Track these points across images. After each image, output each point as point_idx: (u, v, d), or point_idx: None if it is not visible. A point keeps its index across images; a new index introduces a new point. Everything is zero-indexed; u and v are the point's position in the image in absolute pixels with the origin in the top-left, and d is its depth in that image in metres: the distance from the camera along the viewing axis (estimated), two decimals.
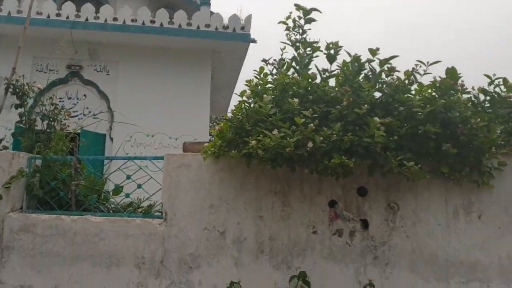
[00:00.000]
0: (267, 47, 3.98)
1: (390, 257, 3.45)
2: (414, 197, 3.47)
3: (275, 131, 3.13)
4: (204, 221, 3.71)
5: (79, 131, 7.96)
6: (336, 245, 3.53)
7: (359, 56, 3.46)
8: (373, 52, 3.34)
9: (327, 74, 3.68)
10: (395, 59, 3.45)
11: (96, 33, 9.16)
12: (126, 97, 9.44)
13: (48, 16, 9.00)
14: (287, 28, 3.89)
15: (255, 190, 3.68)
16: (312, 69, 3.84)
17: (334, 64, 3.75)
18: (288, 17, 3.88)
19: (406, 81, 3.34)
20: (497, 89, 3.49)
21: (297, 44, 3.78)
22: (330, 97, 3.38)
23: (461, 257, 3.38)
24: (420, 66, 3.32)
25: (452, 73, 3.29)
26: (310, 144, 3.11)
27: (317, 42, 3.89)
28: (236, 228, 3.66)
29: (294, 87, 3.49)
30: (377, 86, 3.39)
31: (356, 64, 3.39)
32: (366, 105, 3.18)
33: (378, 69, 3.47)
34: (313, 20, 3.87)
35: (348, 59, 3.52)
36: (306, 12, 3.84)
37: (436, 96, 3.21)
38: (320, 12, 3.88)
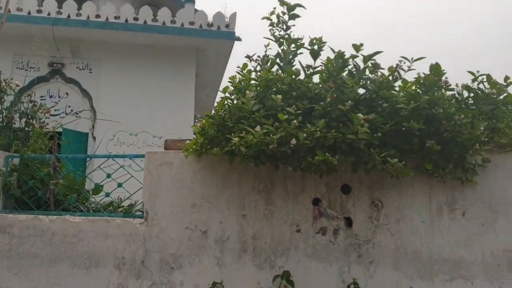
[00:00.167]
0: (253, 46, 3.93)
1: (374, 255, 3.41)
2: (398, 194, 3.44)
3: (258, 128, 3.07)
4: (186, 221, 3.64)
5: (60, 130, 7.83)
6: (320, 244, 3.48)
7: (343, 52, 3.42)
8: (357, 48, 3.30)
9: (311, 70, 3.63)
10: (382, 57, 3.42)
11: (78, 30, 9.00)
12: (109, 96, 9.29)
13: (29, 13, 8.82)
14: (271, 24, 3.83)
15: (238, 188, 3.62)
16: (296, 66, 3.80)
17: (318, 60, 3.70)
18: (272, 13, 3.82)
19: (390, 78, 3.31)
20: (481, 86, 3.47)
21: (281, 40, 3.73)
22: (313, 93, 3.34)
23: (445, 254, 3.37)
24: (404, 62, 3.29)
25: (436, 69, 3.26)
26: (293, 141, 3.06)
27: (301, 39, 3.84)
28: (218, 227, 3.60)
29: (278, 84, 3.44)
30: (361, 83, 3.35)
31: (340, 60, 3.35)
32: (350, 102, 3.14)
33: (362, 65, 3.43)
34: (297, 16, 3.82)
35: (332, 56, 3.48)
36: (290, 8, 3.79)
37: (420, 92, 3.18)
38: (304, 8, 3.84)
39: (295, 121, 3.07)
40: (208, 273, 3.54)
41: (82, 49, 9.45)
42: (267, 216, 3.57)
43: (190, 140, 3.67)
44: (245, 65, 3.77)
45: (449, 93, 3.39)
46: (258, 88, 3.49)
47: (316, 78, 3.62)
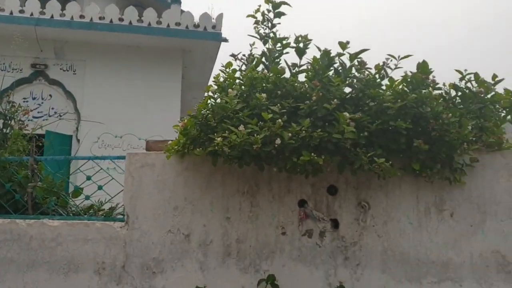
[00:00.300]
0: (240, 46, 3.84)
1: (361, 257, 3.33)
2: (385, 195, 3.37)
3: (241, 127, 2.98)
4: (168, 224, 3.53)
5: (42, 132, 7.67)
6: (305, 246, 3.39)
7: (329, 50, 3.34)
8: (343, 45, 3.23)
9: (296, 69, 3.55)
10: (369, 56, 3.36)
11: (62, 31, 8.88)
12: (93, 97, 9.18)
13: (11, 13, 8.67)
14: (256, 22, 3.74)
15: (222, 190, 3.52)
16: (282, 64, 3.71)
17: (304, 59, 3.63)
18: (257, 11, 3.73)
19: (377, 76, 3.24)
20: (469, 85, 3.42)
21: (266, 38, 3.64)
22: (299, 92, 3.25)
23: (433, 256, 3.30)
24: (391, 60, 3.23)
25: (423, 67, 3.20)
26: (278, 141, 2.97)
27: (287, 38, 3.76)
28: (201, 230, 3.49)
29: (263, 82, 3.35)
30: (347, 81, 3.28)
31: (325, 58, 3.27)
32: (335, 100, 3.06)
33: (348, 63, 3.36)
34: (283, 14, 3.73)
35: (319, 54, 3.40)
36: (276, 5, 3.71)
37: (407, 90, 3.11)
38: (290, 6, 3.75)
39: (279, 120, 2.98)
40: (191, 278, 3.43)
41: (66, 50, 9.31)
42: (252, 218, 3.47)
43: (172, 140, 3.56)
44: (229, 64, 3.68)
45: (436, 92, 3.33)
46: (243, 87, 3.40)
47: (302, 77, 3.55)
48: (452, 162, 3.20)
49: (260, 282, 3.33)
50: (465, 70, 3.45)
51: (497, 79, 3.36)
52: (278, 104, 3.12)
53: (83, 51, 9.28)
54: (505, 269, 3.23)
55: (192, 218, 3.51)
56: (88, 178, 3.94)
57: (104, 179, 3.90)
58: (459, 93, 3.41)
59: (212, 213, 3.50)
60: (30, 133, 4.76)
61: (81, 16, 8.81)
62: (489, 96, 3.37)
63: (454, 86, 3.44)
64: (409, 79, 3.17)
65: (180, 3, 9.59)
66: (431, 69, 3.31)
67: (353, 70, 3.31)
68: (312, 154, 2.98)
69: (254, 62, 3.73)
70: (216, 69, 10.21)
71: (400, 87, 3.21)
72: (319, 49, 3.40)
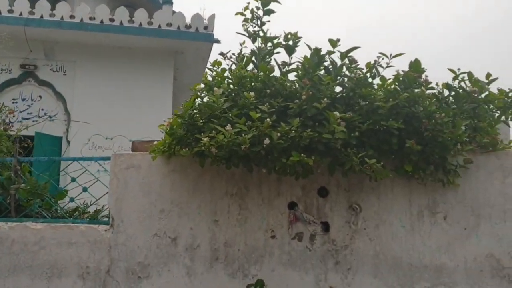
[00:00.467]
0: (233, 48, 3.75)
1: (352, 261, 3.24)
2: (377, 198, 3.28)
3: (229, 127, 2.88)
4: (154, 227, 3.42)
5: (28, 133, 7.54)
6: (295, 250, 3.30)
7: (320, 48, 3.25)
8: (333, 43, 3.14)
9: (286, 68, 3.46)
10: (362, 57, 3.27)
11: (52, 31, 8.75)
12: (84, 99, 9.06)
13: (0, 13, 8.52)
14: (245, 20, 3.65)
15: (209, 193, 3.42)
16: (272, 63, 3.62)
17: (295, 58, 3.54)
18: (246, 8, 3.64)
19: (368, 75, 3.15)
20: (462, 84, 3.34)
21: (255, 35, 3.55)
22: (288, 91, 3.16)
23: (426, 260, 3.21)
24: (383, 59, 3.15)
25: (415, 66, 3.12)
26: (266, 141, 2.88)
27: (278, 37, 3.67)
28: (188, 234, 3.39)
29: (252, 81, 3.26)
30: (338, 80, 3.19)
31: (315, 56, 3.18)
32: (325, 99, 2.97)
33: (339, 62, 3.28)
34: (272, 11, 3.64)
35: (309, 54, 3.31)
36: (265, 2, 3.62)
37: (399, 90, 3.03)
38: (280, 3, 3.67)
39: (268, 119, 2.89)
40: (178, 283, 3.33)
41: (56, 50, 9.19)
42: (241, 221, 3.38)
43: (159, 141, 3.46)
44: (218, 62, 3.59)
45: (429, 92, 3.25)
46: (231, 85, 3.31)
47: (292, 76, 3.46)
48: (445, 163, 3.12)
49: (248, 287, 3.23)
50: (458, 69, 3.38)
51: (491, 78, 3.28)
52: (267, 103, 3.03)
53: (73, 52, 9.16)
54: (500, 273, 3.15)
55: (179, 221, 3.41)
56: (73, 179, 3.84)
57: (92, 181, 3.81)
58: (452, 93, 3.34)
59: (200, 216, 3.40)
60: (15, 134, 4.65)
61: (71, 16, 8.69)
62: (483, 95, 3.30)
63: (447, 86, 3.37)
64: (401, 78, 3.09)
65: (172, 3, 9.51)
66: (423, 68, 3.23)
67: (344, 69, 3.22)
68: (302, 154, 2.89)
69: (243, 61, 3.64)
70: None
71: (392, 86, 3.12)
72: (309, 47, 3.32)
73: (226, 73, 3.49)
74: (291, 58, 3.46)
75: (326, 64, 3.27)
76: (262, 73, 3.24)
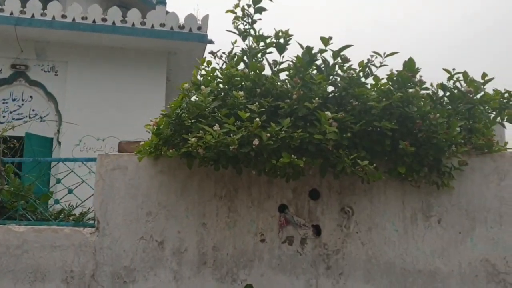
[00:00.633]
0: (227, 49, 3.65)
1: (344, 266, 3.15)
2: (370, 201, 3.19)
3: (217, 127, 2.78)
4: (140, 230, 3.32)
5: (14, 133, 7.41)
6: (286, 254, 3.20)
7: (312, 47, 3.17)
8: (325, 41, 3.05)
9: (278, 67, 3.37)
10: (359, 58, 3.19)
11: (43, 31, 8.63)
12: (75, 99, 8.94)
13: None
14: (236, 18, 3.56)
15: (198, 195, 3.32)
16: (263, 62, 3.53)
17: (287, 57, 3.45)
18: (237, 6, 3.55)
19: (361, 74, 3.07)
20: (457, 85, 3.26)
21: (245, 33, 3.45)
22: (279, 90, 3.07)
23: (419, 265, 3.12)
24: (376, 57, 3.06)
25: (410, 65, 3.04)
26: (256, 142, 2.78)
27: (270, 37, 3.58)
28: (176, 237, 3.29)
29: (242, 79, 3.17)
30: (330, 80, 3.10)
31: (307, 55, 3.10)
32: (317, 99, 2.88)
33: (331, 61, 3.19)
34: (264, 9, 3.55)
35: (301, 53, 3.23)
36: (256, 0, 3.52)
37: (393, 89, 2.94)
38: (272, 1, 3.57)
39: (257, 119, 2.80)
40: None
41: (48, 50, 9.07)
42: (230, 225, 3.28)
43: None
44: (207, 61, 3.49)
45: (423, 92, 3.17)
46: (220, 84, 3.22)
47: (283, 76, 3.37)
48: (439, 165, 3.03)
49: None
50: (453, 69, 3.30)
51: (486, 78, 3.20)
52: (257, 103, 2.94)
53: (65, 52, 9.04)
54: (495, 278, 3.07)
55: (166, 224, 3.31)
56: (58, 181, 3.73)
57: (80, 182, 3.70)
58: (447, 93, 3.25)
59: (188, 219, 3.31)
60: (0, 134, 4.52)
61: (63, 16, 8.57)
62: (478, 96, 3.22)
63: (442, 86, 3.28)
64: (394, 78, 3.01)
65: (165, 4, 9.41)
66: (418, 68, 3.14)
67: (337, 68, 3.14)
68: (293, 156, 2.81)
69: (234, 60, 3.54)
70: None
71: (386, 86, 3.03)
72: (301, 46, 3.23)
73: (216, 73, 3.40)
74: (283, 57, 3.37)
75: (318, 63, 3.19)
76: (252, 72, 3.14)
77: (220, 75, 3.34)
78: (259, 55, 3.54)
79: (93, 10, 8.68)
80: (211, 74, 3.36)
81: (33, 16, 8.50)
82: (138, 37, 8.73)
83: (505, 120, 3.34)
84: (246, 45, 3.49)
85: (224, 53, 3.67)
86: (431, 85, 3.30)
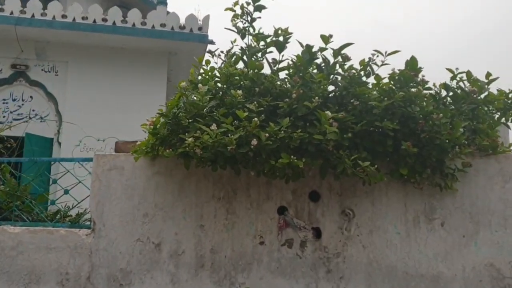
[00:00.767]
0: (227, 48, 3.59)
1: (345, 270, 3.08)
2: (371, 203, 3.12)
3: (214, 126, 2.72)
4: (137, 232, 3.26)
5: (21, 135, 7.40)
6: (285, 257, 3.13)
7: (312, 45, 3.10)
8: (326, 39, 2.98)
9: (277, 66, 3.30)
10: (356, 57, 3.12)
11: (43, 31, 8.57)
12: (75, 100, 8.87)
13: None
14: (235, 16, 3.49)
15: (195, 196, 3.26)
16: (262, 61, 3.46)
17: (287, 56, 3.38)
18: (236, 3, 3.49)
19: (362, 73, 3.00)
20: (461, 85, 3.19)
21: (244, 31, 3.39)
22: (278, 89, 3.01)
23: (422, 269, 3.05)
24: (377, 56, 2.99)
25: (412, 64, 2.97)
26: (254, 142, 2.72)
27: (271, 36, 3.51)
28: (173, 239, 3.23)
29: (240, 78, 3.11)
30: (330, 79, 3.04)
31: (307, 53, 3.03)
32: (317, 98, 2.82)
33: (332, 60, 3.12)
34: (263, 7, 3.48)
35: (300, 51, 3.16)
36: None
37: (395, 89, 2.87)
38: None
39: (256, 119, 2.73)
40: None
41: (48, 50, 9.01)
42: (228, 227, 3.21)
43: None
44: (207, 61, 3.44)
45: (426, 92, 3.09)
46: (218, 83, 3.15)
47: (283, 75, 3.30)
48: (443, 167, 2.96)
49: None
50: (456, 68, 3.23)
51: (491, 77, 3.13)
52: (255, 102, 2.87)
53: (65, 52, 8.98)
54: (500, 283, 2.99)
55: (163, 226, 3.25)
56: (54, 181, 3.68)
57: (78, 183, 3.65)
58: (450, 93, 3.18)
59: (185, 220, 3.24)
60: None
61: (63, 16, 8.51)
62: (482, 96, 3.14)
63: (445, 86, 3.22)
64: (396, 77, 2.93)
65: (166, 4, 9.34)
66: (420, 67, 3.07)
67: (337, 67, 3.07)
68: (292, 156, 2.74)
69: (233, 59, 3.48)
70: None
71: (388, 84, 2.96)
72: (301, 45, 3.17)
73: (215, 72, 3.34)
74: (282, 55, 3.30)
75: (318, 61, 3.12)
76: (251, 71, 3.08)
77: (218, 74, 3.28)
78: (259, 54, 3.47)
79: (93, 10, 8.63)
80: (210, 73, 3.30)
81: (33, 16, 8.44)
82: (139, 37, 8.66)
83: (509, 121, 3.27)
84: (246, 43, 3.43)
85: (222, 52, 3.61)
86: (434, 85, 3.24)
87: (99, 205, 3.31)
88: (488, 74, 3.14)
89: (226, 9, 3.52)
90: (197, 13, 8.90)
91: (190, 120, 2.94)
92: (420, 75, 3.06)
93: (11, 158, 3.95)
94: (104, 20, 8.58)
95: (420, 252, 3.07)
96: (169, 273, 3.20)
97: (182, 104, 3.01)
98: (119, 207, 3.30)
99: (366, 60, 3.00)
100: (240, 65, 3.46)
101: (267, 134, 2.74)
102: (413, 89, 2.88)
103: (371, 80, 3.08)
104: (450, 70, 3.22)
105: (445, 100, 3.20)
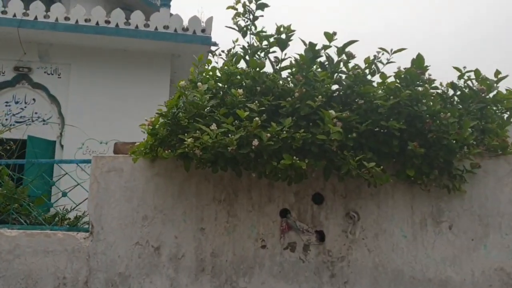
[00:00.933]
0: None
1: (349, 274, 2.98)
2: (377, 205, 3.02)
3: (214, 126, 2.64)
4: (136, 235, 3.18)
5: (23, 138, 7.36)
6: (288, 261, 3.04)
7: (315, 44, 3.02)
8: (329, 36, 2.90)
9: (279, 65, 3.22)
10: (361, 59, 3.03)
11: (46, 33, 8.58)
12: (78, 102, 8.88)
13: None
14: (236, 14, 3.42)
15: (196, 199, 3.18)
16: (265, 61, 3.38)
17: (288, 55, 3.29)
18: (238, 1, 3.41)
19: (367, 71, 2.91)
20: (469, 83, 3.09)
21: (245, 29, 3.31)
22: (280, 88, 2.92)
23: (429, 273, 2.95)
24: (383, 54, 2.90)
25: (418, 62, 2.88)
26: (255, 142, 2.64)
27: (273, 36, 3.44)
28: (173, 242, 3.15)
29: (241, 77, 3.03)
30: (334, 77, 2.95)
31: (310, 51, 2.95)
32: (320, 97, 2.73)
33: (336, 58, 3.03)
34: (266, 5, 3.41)
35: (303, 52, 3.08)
36: None
37: (401, 87, 2.78)
38: None
39: (257, 118, 2.65)
40: None
41: (51, 53, 9.02)
42: (229, 230, 3.13)
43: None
44: (208, 61, 3.37)
45: (432, 91, 3.00)
46: (219, 83, 3.08)
47: (285, 75, 3.22)
48: (451, 167, 2.86)
49: None
50: (464, 67, 3.13)
51: (500, 75, 3.03)
52: (257, 102, 2.79)
53: (68, 54, 8.98)
54: None
55: (163, 229, 3.17)
56: (52, 183, 3.61)
57: (80, 186, 3.59)
58: (458, 92, 3.08)
59: (185, 223, 3.16)
60: None
61: (66, 18, 8.51)
62: (491, 95, 3.04)
63: (452, 85, 3.12)
64: (402, 75, 2.84)
65: (169, 6, 9.32)
66: (427, 66, 2.98)
67: (341, 65, 2.98)
68: (294, 157, 2.66)
69: (234, 59, 3.40)
70: None
71: (393, 82, 2.87)
72: (304, 43, 3.08)
73: (216, 72, 3.26)
74: (285, 54, 3.22)
75: (321, 59, 3.03)
76: (252, 70, 3.00)
77: (219, 74, 3.21)
78: (262, 54, 3.39)
79: (96, 12, 8.61)
80: (210, 73, 3.22)
81: (36, 18, 8.45)
82: (142, 40, 8.65)
83: None
84: (248, 42, 3.35)
85: (223, 51, 3.54)
86: (440, 84, 3.14)
87: (97, 208, 3.24)
88: (497, 72, 3.03)
89: (228, 8, 3.44)
90: (200, 15, 8.88)
91: (189, 120, 2.87)
92: (426, 74, 2.97)
93: (9, 160, 3.88)
94: (107, 22, 8.57)
95: (427, 256, 2.97)
96: (168, 277, 3.12)
97: (181, 103, 2.93)
98: (118, 209, 3.22)
99: (371, 58, 2.91)
100: (242, 64, 3.38)
101: (268, 135, 2.65)
102: (419, 88, 2.79)
103: (376, 78, 2.99)
104: (457, 69, 3.13)
105: (452, 100, 3.10)
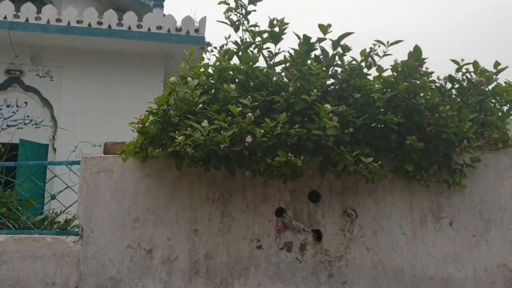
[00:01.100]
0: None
1: (348, 274, 2.89)
2: (375, 202, 2.94)
3: (205, 123, 2.55)
4: (127, 238, 3.08)
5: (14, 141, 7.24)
6: (284, 262, 2.95)
7: (310, 37, 2.93)
8: (324, 29, 2.81)
9: (273, 60, 3.13)
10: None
11: (37, 35, 8.45)
12: (71, 105, 8.76)
13: None
14: (228, 9, 3.33)
15: (188, 199, 3.09)
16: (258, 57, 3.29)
17: (282, 50, 3.21)
18: None
19: (363, 64, 2.82)
20: (467, 76, 3.01)
21: (237, 24, 3.22)
22: (274, 83, 2.84)
23: (430, 271, 2.87)
24: (379, 46, 2.81)
25: (416, 54, 2.80)
26: (248, 139, 2.55)
27: (267, 32, 3.35)
28: (165, 245, 3.05)
29: (234, 73, 2.94)
30: (329, 70, 2.87)
31: (305, 45, 2.86)
32: (315, 91, 2.65)
33: (331, 52, 2.95)
34: None
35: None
36: None
37: (398, 79, 2.70)
38: None
39: (250, 114, 2.56)
40: None
41: (43, 55, 8.90)
42: (223, 230, 3.03)
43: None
44: (201, 58, 3.27)
45: (431, 84, 2.92)
46: (211, 79, 2.99)
47: (279, 70, 3.13)
48: (450, 162, 2.79)
49: None
50: (462, 60, 3.05)
51: (499, 67, 2.95)
52: (250, 97, 2.70)
53: (60, 56, 8.86)
54: None
55: (155, 231, 3.07)
56: (41, 186, 3.51)
57: (70, 188, 3.49)
58: (456, 85, 3.01)
59: (178, 225, 3.07)
60: None
61: (58, 20, 8.38)
62: (490, 87, 2.97)
63: (449, 78, 3.04)
64: (400, 68, 2.76)
65: (162, 7, 9.22)
66: (424, 59, 2.90)
67: (337, 59, 2.90)
68: (289, 154, 2.58)
69: (226, 56, 3.31)
70: None
71: (390, 75, 2.79)
72: (298, 37, 3.00)
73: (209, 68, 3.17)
74: (279, 48, 3.13)
75: (316, 53, 2.95)
76: (245, 64, 2.91)
77: (211, 70, 3.12)
78: (256, 50, 3.31)
79: (88, 13, 8.50)
80: (202, 69, 3.13)
81: (27, 20, 8.32)
82: (135, 41, 8.53)
83: None
84: (240, 37, 3.26)
85: (215, 47, 3.44)
86: (438, 78, 3.07)
87: (87, 210, 3.14)
88: (496, 64, 2.96)
89: (220, 3, 3.35)
90: (193, 15, 8.79)
91: (180, 118, 2.77)
92: (424, 67, 2.89)
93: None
94: (100, 23, 8.45)
95: (428, 254, 2.88)
96: (161, 280, 3.02)
97: (172, 100, 2.84)
98: (108, 211, 3.12)
99: (367, 50, 2.82)
100: (235, 61, 3.30)
101: (262, 131, 2.57)
102: (417, 81, 2.71)
103: (373, 72, 2.91)
104: (455, 62, 3.05)
105: (450, 93, 3.02)
